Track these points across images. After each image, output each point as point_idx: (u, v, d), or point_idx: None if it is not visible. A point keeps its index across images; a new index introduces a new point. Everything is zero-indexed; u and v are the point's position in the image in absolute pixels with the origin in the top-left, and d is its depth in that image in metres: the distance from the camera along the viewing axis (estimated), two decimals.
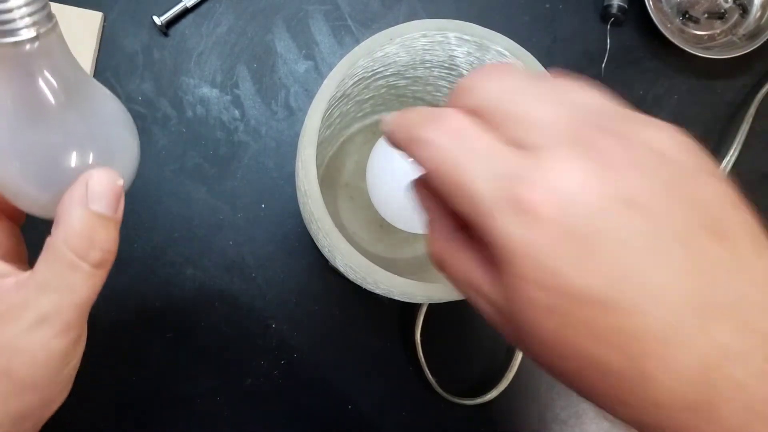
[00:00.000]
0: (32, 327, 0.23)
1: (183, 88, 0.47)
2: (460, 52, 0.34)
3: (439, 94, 0.40)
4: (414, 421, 0.46)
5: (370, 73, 0.35)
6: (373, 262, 0.30)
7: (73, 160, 0.24)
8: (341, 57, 0.48)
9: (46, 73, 0.23)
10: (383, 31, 0.32)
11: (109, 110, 0.26)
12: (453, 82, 0.38)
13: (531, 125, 0.18)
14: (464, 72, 0.36)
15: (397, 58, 0.34)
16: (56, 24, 0.23)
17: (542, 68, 0.31)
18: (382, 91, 0.39)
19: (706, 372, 0.15)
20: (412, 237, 0.45)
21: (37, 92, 0.23)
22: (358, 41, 0.49)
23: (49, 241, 0.24)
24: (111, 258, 0.25)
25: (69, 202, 0.24)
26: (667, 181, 0.16)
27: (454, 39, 0.33)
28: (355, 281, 0.33)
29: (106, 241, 0.24)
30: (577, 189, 0.16)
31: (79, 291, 0.24)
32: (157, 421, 0.44)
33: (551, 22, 0.50)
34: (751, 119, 0.49)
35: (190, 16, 0.48)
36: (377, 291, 0.32)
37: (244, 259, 0.45)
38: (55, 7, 0.46)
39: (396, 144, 0.21)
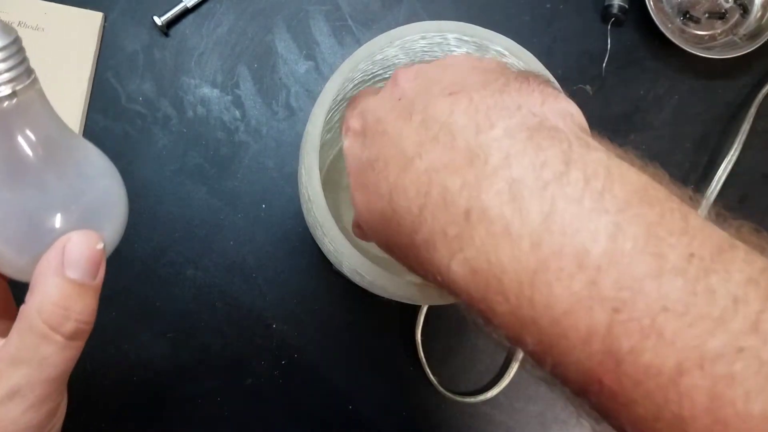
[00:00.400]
0: (2, 401, 0.22)
1: (183, 88, 0.47)
2: (460, 53, 0.34)
3: None
4: (414, 421, 0.46)
5: (370, 76, 0.35)
6: (377, 263, 0.30)
7: (53, 222, 0.23)
8: (342, 57, 0.48)
9: (26, 131, 0.22)
10: (383, 34, 0.32)
11: (94, 169, 0.25)
12: None
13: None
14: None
15: (397, 60, 0.34)
16: (35, 80, 0.22)
17: (542, 67, 0.31)
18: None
19: (425, 183, 0.20)
20: None
21: (14, 151, 0.22)
22: (358, 41, 0.49)
23: (22, 309, 0.22)
24: (87, 328, 0.23)
25: (44, 268, 0.22)
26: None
27: (454, 40, 0.33)
28: (361, 285, 0.33)
29: (82, 311, 0.23)
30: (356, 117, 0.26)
31: (53, 364, 0.22)
32: (157, 421, 0.44)
33: (552, 22, 0.50)
34: (751, 119, 0.49)
35: (190, 17, 0.48)
36: (384, 295, 0.32)
37: (245, 259, 0.45)
38: (56, 8, 0.46)
39: None
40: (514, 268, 0.17)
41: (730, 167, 0.48)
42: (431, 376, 0.45)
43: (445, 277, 0.20)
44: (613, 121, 0.50)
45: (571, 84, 0.50)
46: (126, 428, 0.44)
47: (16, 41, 0.21)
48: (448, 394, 0.45)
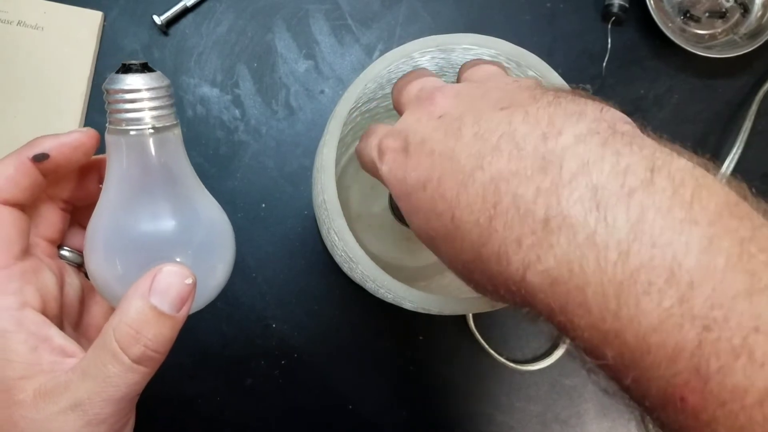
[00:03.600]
0: (65, 411, 0.22)
1: (183, 87, 0.47)
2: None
3: None
4: (414, 421, 0.46)
5: (362, 103, 0.35)
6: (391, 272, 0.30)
7: (162, 251, 0.24)
8: (342, 56, 0.48)
9: (158, 164, 0.25)
10: (398, 49, 0.31)
11: (209, 216, 0.26)
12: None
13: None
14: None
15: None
16: (177, 126, 0.26)
17: (544, 64, 0.31)
18: (359, 119, 0.39)
19: (493, 191, 0.20)
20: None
21: (144, 178, 0.25)
22: (358, 41, 0.49)
23: (104, 325, 0.23)
24: (156, 356, 0.23)
25: (132, 291, 0.23)
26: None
27: (462, 51, 0.33)
28: (376, 294, 0.33)
29: (154, 337, 0.23)
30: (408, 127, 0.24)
31: (115, 384, 0.23)
32: (157, 421, 0.44)
33: (552, 22, 0.50)
34: (752, 118, 0.48)
35: (190, 16, 0.48)
36: (405, 306, 0.32)
37: (245, 259, 0.45)
38: (56, 7, 0.46)
39: None
40: (599, 279, 0.17)
41: (732, 167, 0.48)
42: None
43: (518, 289, 0.19)
44: None
45: (571, 83, 0.50)
46: None
47: (169, 88, 0.25)
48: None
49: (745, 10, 0.51)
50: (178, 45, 0.48)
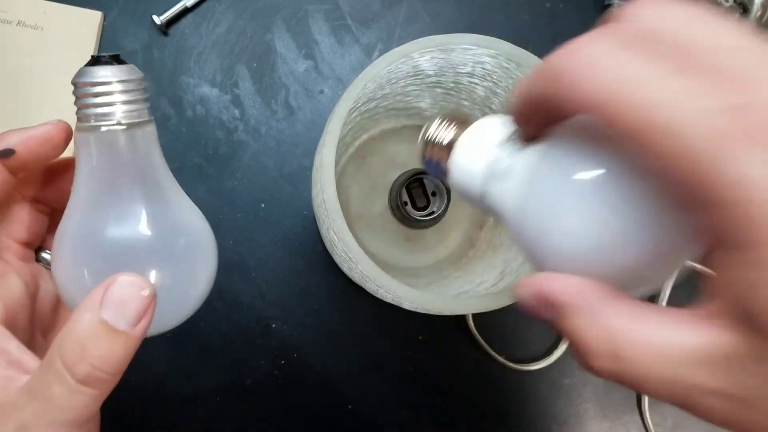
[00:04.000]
0: None
1: (183, 87, 0.47)
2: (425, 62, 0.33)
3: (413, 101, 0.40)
4: (414, 421, 0.46)
5: (361, 103, 0.35)
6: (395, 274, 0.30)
7: (122, 260, 0.22)
8: (341, 56, 0.48)
9: (129, 162, 0.23)
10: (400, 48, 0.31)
11: (185, 221, 0.24)
12: (420, 86, 0.38)
13: (716, 51, 0.14)
14: (430, 73, 0.35)
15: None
16: (150, 122, 0.24)
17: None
18: (358, 119, 0.39)
19: None
20: (433, 244, 0.45)
21: (113, 176, 0.23)
22: (358, 41, 0.49)
23: (53, 340, 0.21)
24: (106, 378, 0.20)
25: (83, 303, 0.21)
26: None
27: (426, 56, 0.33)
28: (379, 296, 0.33)
29: (102, 356, 0.20)
30: None
31: (60, 406, 0.20)
32: (157, 421, 0.44)
33: (551, 22, 0.50)
34: None
35: (189, 16, 0.48)
36: (404, 306, 0.32)
37: (244, 259, 0.45)
38: (55, 7, 0.46)
39: (537, 99, 0.17)
40: None
41: None
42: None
43: None
44: None
45: None
46: (126, 428, 0.44)
47: (141, 82, 0.23)
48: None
49: (744, 10, 0.51)
50: (178, 45, 0.48)
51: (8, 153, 0.24)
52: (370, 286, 0.33)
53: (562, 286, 0.17)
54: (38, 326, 0.26)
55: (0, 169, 0.24)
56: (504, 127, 0.22)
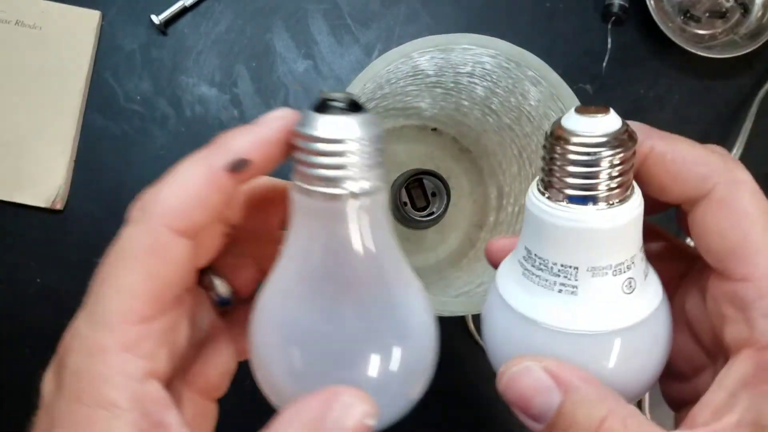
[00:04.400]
0: None
1: (182, 87, 0.47)
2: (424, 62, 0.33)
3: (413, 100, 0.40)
4: (414, 421, 0.45)
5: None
6: None
7: (343, 354, 0.19)
8: (341, 56, 0.48)
9: (349, 241, 0.18)
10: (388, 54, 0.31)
11: (415, 320, 0.20)
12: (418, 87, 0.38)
13: None
14: (429, 73, 0.35)
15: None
16: (383, 189, 0.19)
17: (544, 64, 0.31)
18: None
19: None
20: (433, 244, 0.45)
21: (331, 260, 0.19)
22: (357, 40, 0.48)
23: None
24: None
25: (294, 416, 0.18)
26: None
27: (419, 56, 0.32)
28: None
29: None
30: None
31: None
32: None
33: (551, 22, 0.50)
34: (753, 119, 0.48)
35: (188, 15, 0.48)
36: None
37: None
38: (54, 6, 0.46)
39: None
40: None
41: None
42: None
43: None
44: None
45: (571, 83, 0.49)
46: None
47: (381, 138, 0.18)
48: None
49: (746, 10, 0.51)
50: (177, 45, 0.47)
51: (242, 165, 0.19)
52: None
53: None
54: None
55: (228, 186, 0.19)
56: None
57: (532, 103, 0.35)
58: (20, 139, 0.45)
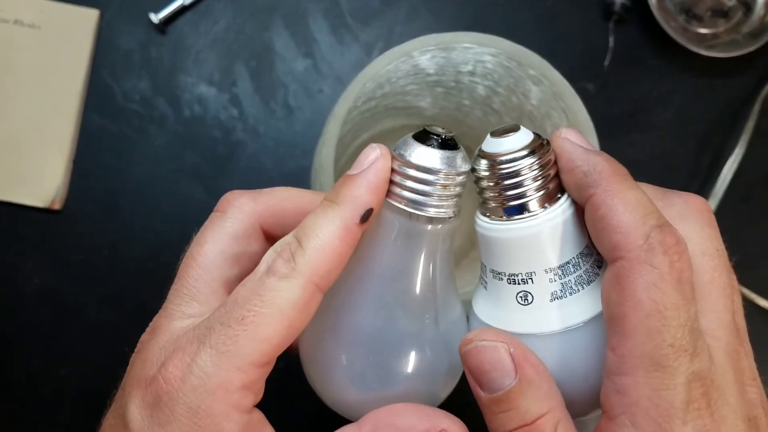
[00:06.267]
0: None
1: (180, 86, 0.47)
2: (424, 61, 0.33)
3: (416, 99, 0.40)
4: None
5: (361, 102, 0.35)
6: None
7: (404, 364, 0.22)
8: (341, 55, 0.48)
9: (430, 260, 0.21)
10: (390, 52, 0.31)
11: (457, 333, 0.22)
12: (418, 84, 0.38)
13: None
14: (430, 72, 0.35)
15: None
16: (455, 218, 0.22)
17: (545, 63, 0.31)
18: (358, 119, 0.39)
19: None
20: None
21: (404, 273, 0.21)
22: (357, 39, 0.48)
23: None
24: None
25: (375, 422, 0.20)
26: None
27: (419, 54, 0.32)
28: None
29: None
30: None
31: None
32: None
33: (553, 20, 0.50)
34: (755, 118, 0.48)
35: (187, 14, 0.47)
36: None
37: None
38: (52, 5, 0.46)
39: None
40: None
41: (735, 167, 0.47)
42: None
43: None
44: (615, 121, 0.49)
45: (572, 82, 0.49)
46: None
47: (467, 175, 0.21)
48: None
49: (748, 9, 0.50)
50: (176, 44, 0.47)
51: (368, 216, 0.20)
52: None
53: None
54: None
55: (357, 238, 0.20)
56: None
57: (534, 102, 0.35)
58: (18, 139, 0.45)
